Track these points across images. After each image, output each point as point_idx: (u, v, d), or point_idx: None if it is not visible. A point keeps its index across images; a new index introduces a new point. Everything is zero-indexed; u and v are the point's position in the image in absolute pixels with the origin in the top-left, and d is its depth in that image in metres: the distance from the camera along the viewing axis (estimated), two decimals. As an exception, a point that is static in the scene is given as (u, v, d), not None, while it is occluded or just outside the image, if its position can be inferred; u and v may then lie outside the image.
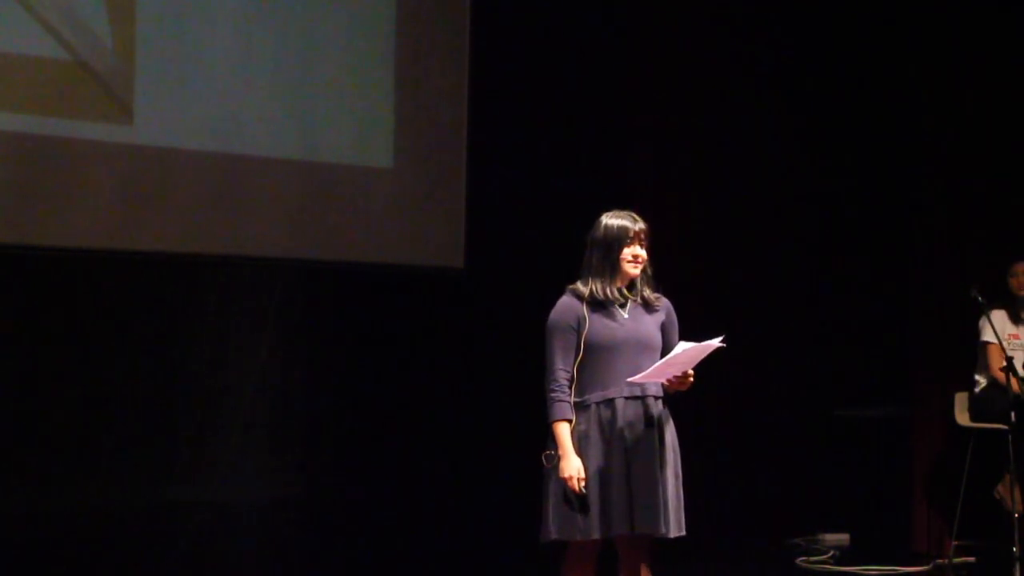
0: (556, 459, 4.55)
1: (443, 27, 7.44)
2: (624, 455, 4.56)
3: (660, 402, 4.66)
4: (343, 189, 7.14)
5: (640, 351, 4.63)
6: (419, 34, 7.36)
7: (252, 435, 6.98)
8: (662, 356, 4.62)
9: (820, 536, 7.97)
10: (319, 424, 7.24)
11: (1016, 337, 7.34)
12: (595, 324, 4.60)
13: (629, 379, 4.56)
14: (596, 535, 4.56)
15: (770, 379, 7.92)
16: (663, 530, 4.59)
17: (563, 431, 4.57)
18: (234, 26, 6.81)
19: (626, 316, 4.64)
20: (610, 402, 4.59)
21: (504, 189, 7.49)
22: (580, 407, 4.59)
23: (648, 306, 4.70)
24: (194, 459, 6.81)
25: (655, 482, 4.58)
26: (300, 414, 7.21)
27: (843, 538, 8.01)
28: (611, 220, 4.70)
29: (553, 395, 4.60)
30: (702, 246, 7.90)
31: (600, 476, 4.55)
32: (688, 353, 4.51)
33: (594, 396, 4.59)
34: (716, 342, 4.53)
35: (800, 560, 7.45)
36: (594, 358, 4.59)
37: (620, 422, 4.57)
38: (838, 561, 7.42)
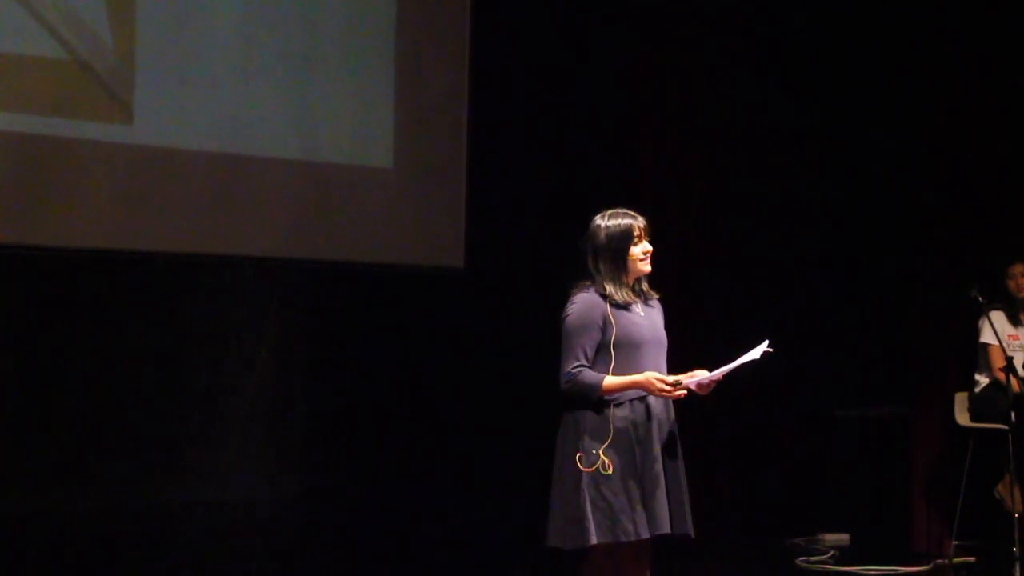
0: (595, 460, 4.45)
1: (443, 27, 7.44)
2: (658, 455, 4.53)
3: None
4: (343, 189, 7.14)
5: (659, 347, 4.62)
6: (419, 34, 7.36)
7: (252, 435, 6.98)
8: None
9: (820, 536, 7.96)
10: (319, 424, 7.24)
11: (1015, 338, 7.34)
12: (621, 322, 4.53)
13: (687, 382, 4.51)
14: (645, 534, 4.47)
15: (770, 379, 7.90)
16: (690, 531, 4.58)
17: (612, 380, 4.46)
18: (234, 26, 6.82)
19: (642, 314, 4.62)
20: (643, 399, 4.54)
21: (504, 189, 7.49)
22: (615, 405, 4.50)
23: (648, 301, 4.68)
24: (194, 459, 6.81)
25: (682, 481, 4.58)
26: (300, 414, 7.22)
27: (843, 538, 8.01)
28: (610, 222, 4.62)
29: (575, 377, 4.47)
30: (702, 246, 7.89)
31: (641, 475, 4.49)
32: (743, 360, 4.53)
33: (628, 394, 4.52)
34: (764, 347, 4.54)
35: (800, 560, 7.44)
36: (624, 357, 4.51)
37: (653, 420, 4.54)
38: (838, 561, 7.41)
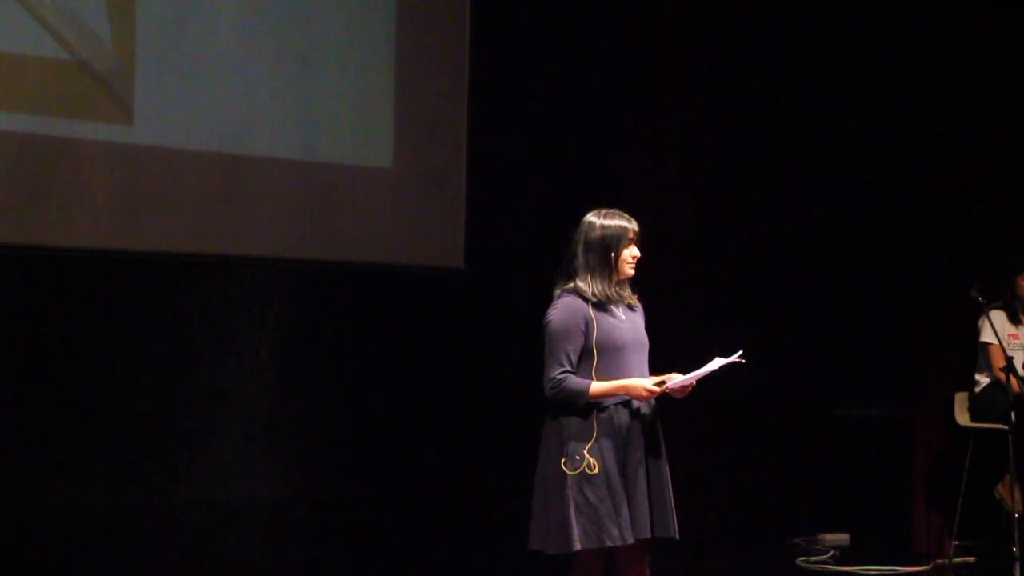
0: (579, 463, 4.44)
1: (443, 27, 7.44)
2: (641, 457, 4.53)
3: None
4: (343, 189, 7.14)
5: (640, 350, 4.61)
6: (419, 34, 7.36)
7: (252, 435, 6.98)
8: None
9: (820, 536, 7.97)
10: (319, 424, 7.24)
11: (1015, 337, 7.34)
12: (603, 325, 4.53)
13: (669, 384, 4.51)
14: (631, 539, 4.46)
15: (770, 379, 7.91)
16: (674, 533, 4.57)
17: (598, 385, 4.46)
18: (234, 26, 6.82)
19: (624, 317, 4.62)
20: (627, 403, 4.54)
21: (504, 189, 7.49)
22: (598, 410, 4.50)
23: (630, 306, 4.68)
24: (194, 459, 6.81)
25: (666, 484, 4.57)
26: (300, 414, 7.21)
27: (843, 538, 8.01)
28: (606, 220, 4.63)
29: (561, 383, 4.46)
30: (702, 245, 7.89)
31: (624, 479, 4.49)
32: (713, 366, 4.53)
33: (611, 399, 4.52)
34: (735, 357, 4.54)
35: (800, 560, 7.44)
36: (607, 360, 4.51)
37: (637, 423, 4.54)
38: (838, 561, 7.42)
